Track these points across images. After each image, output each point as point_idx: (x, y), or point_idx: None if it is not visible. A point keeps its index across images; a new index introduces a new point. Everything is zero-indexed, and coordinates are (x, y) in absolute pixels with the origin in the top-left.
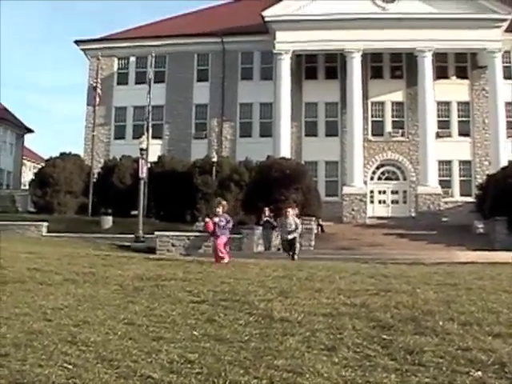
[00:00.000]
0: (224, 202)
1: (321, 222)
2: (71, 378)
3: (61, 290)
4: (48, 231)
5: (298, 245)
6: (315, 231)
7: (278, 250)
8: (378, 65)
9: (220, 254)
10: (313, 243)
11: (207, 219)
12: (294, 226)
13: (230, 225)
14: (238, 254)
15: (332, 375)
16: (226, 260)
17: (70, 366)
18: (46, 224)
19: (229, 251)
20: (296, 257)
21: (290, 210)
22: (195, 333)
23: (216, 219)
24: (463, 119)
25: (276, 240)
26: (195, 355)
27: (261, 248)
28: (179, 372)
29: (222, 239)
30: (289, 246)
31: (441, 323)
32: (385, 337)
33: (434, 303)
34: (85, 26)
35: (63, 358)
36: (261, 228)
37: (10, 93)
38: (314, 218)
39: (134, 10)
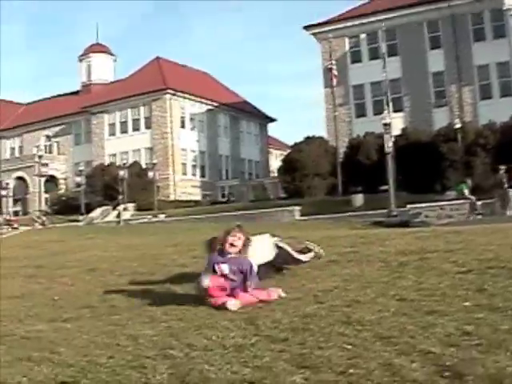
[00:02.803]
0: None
1: None
2: (353, 358)
3: (326, 272)
4: (301, 215)
5: None
6: None
7: None
8: None
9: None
10: None
11: (205, 282)
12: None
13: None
14: (491, 219)
15: None
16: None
17: (349, 347)
18: (298, 208)
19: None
20: None
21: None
22: (467, 304)
23: (224, 268)
24: None
25: None
26: (471, 327)
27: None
28: (458, 345)
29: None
30: None
31: None
32: None
33: None
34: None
35: (341, 338)
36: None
37: (250, 87)
38: None
39: None
